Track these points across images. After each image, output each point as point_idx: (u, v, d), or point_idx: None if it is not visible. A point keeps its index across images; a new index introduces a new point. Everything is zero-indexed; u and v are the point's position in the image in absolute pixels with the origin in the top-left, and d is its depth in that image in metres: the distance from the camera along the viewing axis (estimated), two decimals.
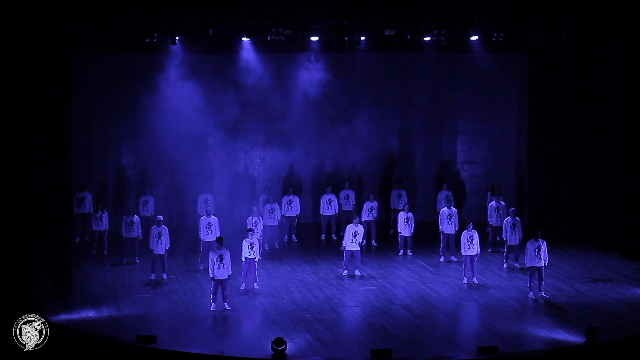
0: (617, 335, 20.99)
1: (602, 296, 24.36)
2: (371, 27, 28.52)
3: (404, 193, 31.22)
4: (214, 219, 26.97)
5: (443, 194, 30.99)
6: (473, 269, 25.47)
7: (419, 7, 26.95)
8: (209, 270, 23.35)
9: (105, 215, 28.72)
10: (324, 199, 30.78)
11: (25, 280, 22.43)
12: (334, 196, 30.81)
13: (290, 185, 31.91)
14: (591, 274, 26.56)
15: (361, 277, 26.15)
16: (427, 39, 29.15)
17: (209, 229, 26.73)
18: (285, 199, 30.25)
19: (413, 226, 28.53)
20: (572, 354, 20.11)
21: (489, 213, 29.24)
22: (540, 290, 24.13)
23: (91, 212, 29.68)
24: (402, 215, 28.58)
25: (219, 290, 23.20)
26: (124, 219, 27.77)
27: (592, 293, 24.68)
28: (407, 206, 28.89)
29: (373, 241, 29.96)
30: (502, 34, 29.00)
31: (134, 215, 27.86)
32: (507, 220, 26.98)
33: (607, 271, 26.88)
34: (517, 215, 27.44)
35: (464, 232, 25.56)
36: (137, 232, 27.67)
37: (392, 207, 31.11)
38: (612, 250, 28.60)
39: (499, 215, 28.72)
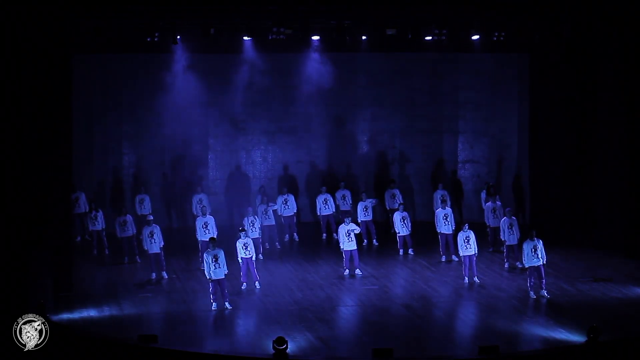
0: (618, 335, 20.94)
1: (604, 295, 24.34)
2: (372, 27, 28.51)
3: (397, 192, 31.14)
4: (210, 218, 26.96)
5: (438, 194, 30.87)
6: (473, 269, 25.46)
7: (420, 6, 26.93)
8: (205, 272, 23.33)
9: (100, 214, 28.68)
10: (320, 199, 30.71)
11: (26, 280, 22.43)
12: (329, 196, 30.72)
13: (284, 184, 31.89)
14: (592, 274, 26.51)
15: (362, 276, 26.13)
16: (428, 38, 29.12)
17: (206, 229, 26.73)
18: (280, 199, 30.21)
19: (410, 225, 28.47)
20: (573, 353, 20.12)
21: (485, 214, 29.15)
22: (542, 288, 24.11)
23: (86, 211, 29.69)
24: (397, 215, 28.49)
25: (218, 290, 23.19)
26: (117, 220, 27.73)
27: (593, 292, 24.65)
28: (402, 206, 28.78)
29: (374, 240, 29.92)
30: (503, 34, 28.99)
31: (126, 215, 27.80)
32: (504, 220, 26.85)
33: (608, 270, 26.82)
34: (514, 214, 27.44)
35: (460, 233, 25.57)
36: (131, 231, 27.64)
37: (388, 208, 31.03)
38: (614, 249, 28.54)
39: (495, 215, 28.65)
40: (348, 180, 32.65)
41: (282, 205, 30.02)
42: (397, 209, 28.67)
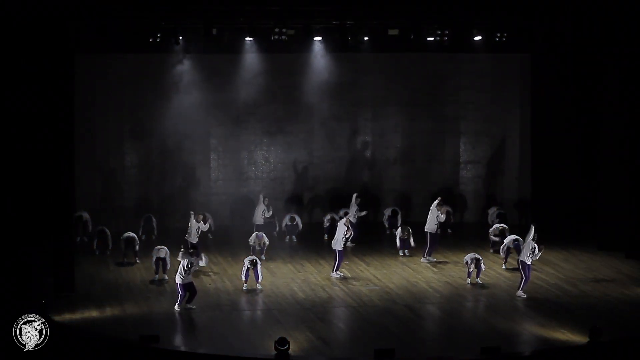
0: (619, 336, 20.96)
1: (605, 296, 24.33)
2: (374, 27, 28.51)
3: (399, 217, 31.52)
4: (193, 222, 26.98)
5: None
6: (478, 271, 25.41)
7: (421, 7, 26.93)
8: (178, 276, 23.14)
9: (108, 236, 28.56)
10: (326, 219, 31.05)
11: (27, 280, 22.42)
12: (334, 216, 31.06)
13: (291, 205, 32.23)
14: (594, 274, 26.53)
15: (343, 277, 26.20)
16: (430, 39, 29.11)
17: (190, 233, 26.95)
18: (287, 217, 30.57)
19: (412, 243, 28.61)
20: (575, 353, 20.11)
21: (491, 242, 29.09)
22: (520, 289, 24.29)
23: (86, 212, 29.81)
24: (399, 234, 28.67)
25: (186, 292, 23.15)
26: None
27: (595, 293, 24.65)
28: (401, 227, 29.06)
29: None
30: (504, 34, 28.98)
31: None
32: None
33: (610, 271, 26.84)
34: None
35: (470, 254, 25.51)
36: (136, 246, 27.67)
37: (387, 226, 31.56)
38: (616, 250, 28.55)
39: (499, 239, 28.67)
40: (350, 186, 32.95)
41: (288, 223, 30.47)
42: (401, 231, 28.84)
